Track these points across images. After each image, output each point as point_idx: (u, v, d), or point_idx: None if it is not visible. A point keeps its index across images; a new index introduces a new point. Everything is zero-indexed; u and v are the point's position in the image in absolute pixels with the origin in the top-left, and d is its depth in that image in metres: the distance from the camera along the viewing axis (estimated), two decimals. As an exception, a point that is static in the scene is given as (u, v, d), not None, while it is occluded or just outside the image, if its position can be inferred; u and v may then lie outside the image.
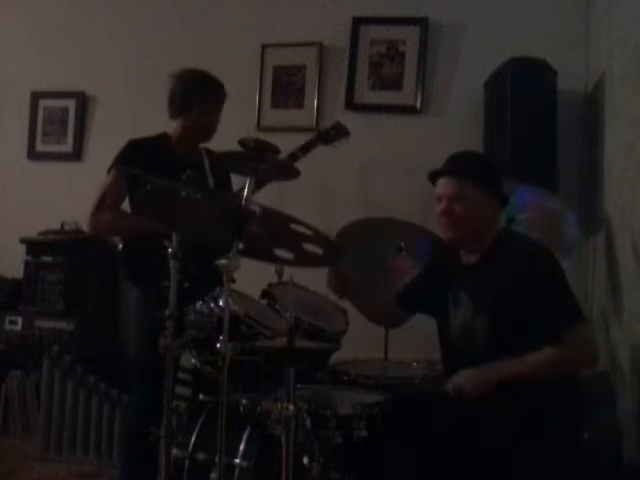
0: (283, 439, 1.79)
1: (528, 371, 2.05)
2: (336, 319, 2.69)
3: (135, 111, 4.01)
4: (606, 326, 2.94)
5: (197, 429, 2.25)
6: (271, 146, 1.93)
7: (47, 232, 3.97)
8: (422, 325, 2.53)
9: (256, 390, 2.11)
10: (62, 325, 3.76)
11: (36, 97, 4.38)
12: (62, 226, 3.99)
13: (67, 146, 4.35)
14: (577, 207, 3.29)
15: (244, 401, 2.12)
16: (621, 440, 2.50)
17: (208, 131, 2.90)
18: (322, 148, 3.39)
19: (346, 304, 2.68)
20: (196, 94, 2.84)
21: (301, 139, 3.37)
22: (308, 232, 1.86)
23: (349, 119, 3.64)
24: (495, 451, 1.98)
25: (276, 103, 4.05)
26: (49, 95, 4.37)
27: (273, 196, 3.08)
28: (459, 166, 2.26)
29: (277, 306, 2.52)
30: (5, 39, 4.45)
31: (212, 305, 2.25)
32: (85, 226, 2.90)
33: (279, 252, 1.97)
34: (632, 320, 2.60)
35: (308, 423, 1.91)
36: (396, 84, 3.91)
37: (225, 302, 1.85)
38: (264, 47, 4.05)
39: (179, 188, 1.91)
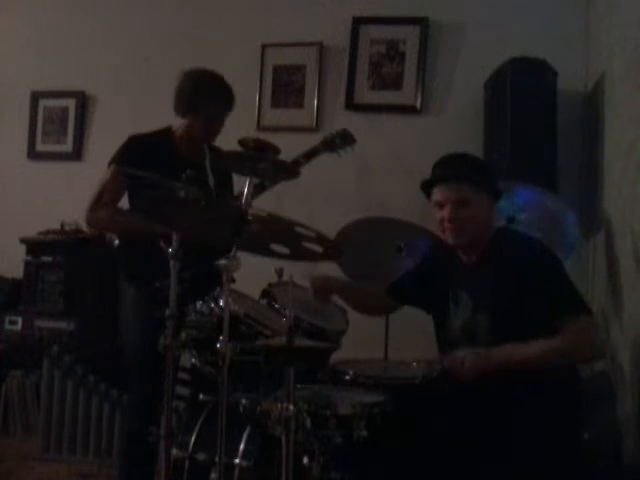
0: (283, 439, 1.79)
1: (528, 358, 2.03)
2: (336, 319, 2.69)
3: (135, 111, 4.00)
4: (606, 326, 2.94)
5: (197, 429, 2.25)
6: (271, 146, 1.93)
7: (47, 232, 3.97)
8: (422, 325, 2.54)
9: (256, 390, 2.10)
10: (62, 325, 3.76)
11: (36, 97, 4.39)
12: (62, 226, 3.99)
13: (67, 146, 4.36)
14: (577, 207, 3.28)
15: (244, 401, 2.11)
16: (621, 440, 2.50)
17: (211, 134, 2.89)
18: (324, 148, 3.39)
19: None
20: (205, 98, 2.80)
21: (301, 139, 3.36)
22: (311, 234, 1.87)
23: (349, 119, 3.64)
24: (495, 451, 1.98)
25: (276, 103, 4.05)
26: (49, 95, 4.37)
27: (273, 196, 3.08)
28: (455, 171, 2.25)
29: (277, 306, 2.52)
30: (5, 39, 4.46)
31: (212, 305, 2.25)
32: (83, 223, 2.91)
33: (276, 247, 1.98)
34: (632, 320, 2.59)
35: (308, 423, 1.90)
36: (396, 84, 3.91)
37: (225, 302, 1.85)
38: (264, 47, 4.05)
39: (178, 188, 1.91)
